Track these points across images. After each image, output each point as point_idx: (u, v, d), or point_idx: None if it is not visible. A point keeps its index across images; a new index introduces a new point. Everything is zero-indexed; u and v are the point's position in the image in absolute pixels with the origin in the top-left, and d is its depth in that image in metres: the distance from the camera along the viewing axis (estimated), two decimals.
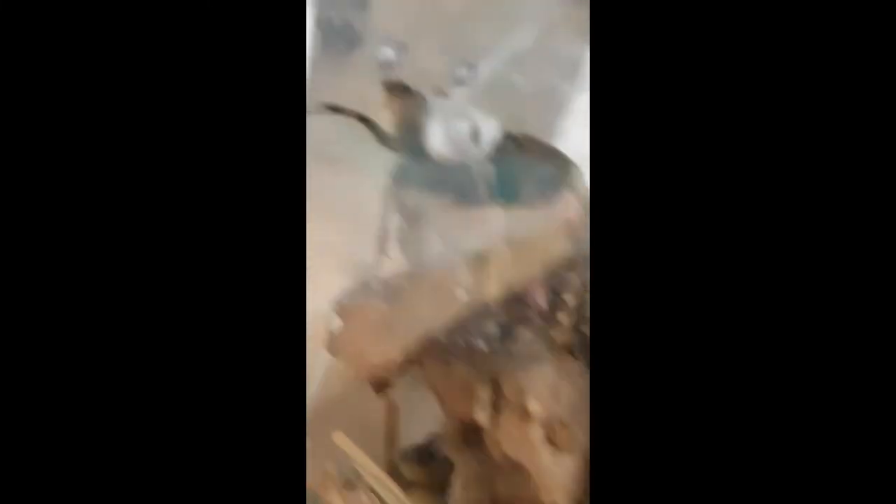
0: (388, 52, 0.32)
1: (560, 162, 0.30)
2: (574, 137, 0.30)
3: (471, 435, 0.33)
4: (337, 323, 0.32)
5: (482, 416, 0.32)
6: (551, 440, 0.32)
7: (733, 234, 0.21)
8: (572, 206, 0.29)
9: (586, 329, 0.34)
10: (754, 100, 0.21)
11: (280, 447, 0.21)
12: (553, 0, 0.35)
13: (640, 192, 0.21)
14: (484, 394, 0.32)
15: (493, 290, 0.29)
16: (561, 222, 0.29)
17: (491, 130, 0.26)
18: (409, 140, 0.27)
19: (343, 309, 0.32)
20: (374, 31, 0.32)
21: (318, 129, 0.25)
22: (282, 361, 0.21)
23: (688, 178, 0.21)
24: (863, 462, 0.20)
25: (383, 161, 0.28)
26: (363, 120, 0.26)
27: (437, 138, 0.25)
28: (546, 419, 0.31)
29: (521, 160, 0.28)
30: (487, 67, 0.37)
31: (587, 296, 0.31)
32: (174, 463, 0.20)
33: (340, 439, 0.36)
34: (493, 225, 0.28)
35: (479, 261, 0.28)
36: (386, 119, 0.27)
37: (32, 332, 0.20)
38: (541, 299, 0.29)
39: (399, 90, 0.27)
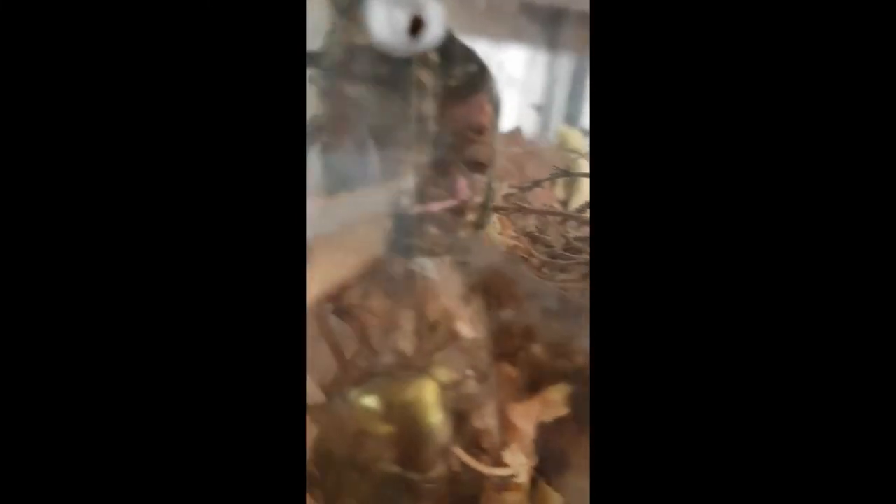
0: None
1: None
2: None
3: None
4: None
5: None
6: None
7: (734, 233, 0.21)
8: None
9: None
10: (756, 100, 0.21)
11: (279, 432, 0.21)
12: None
13: (640, 192, 0.21)
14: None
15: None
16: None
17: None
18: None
19: None
20: None
21: None
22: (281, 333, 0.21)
23: (688, 175, 0.21)
24: (863, 462, 0.20)
25: None
26: None
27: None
28: None
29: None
30: None
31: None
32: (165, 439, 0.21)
33: None
34: None
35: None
36: None
37: (27, 320, 0.20)
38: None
39: None
